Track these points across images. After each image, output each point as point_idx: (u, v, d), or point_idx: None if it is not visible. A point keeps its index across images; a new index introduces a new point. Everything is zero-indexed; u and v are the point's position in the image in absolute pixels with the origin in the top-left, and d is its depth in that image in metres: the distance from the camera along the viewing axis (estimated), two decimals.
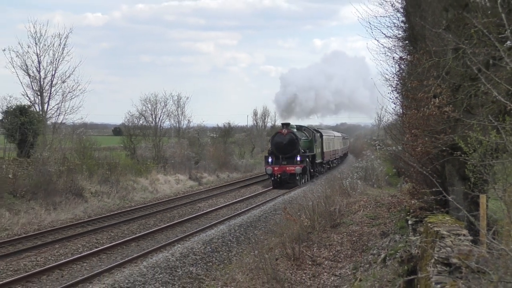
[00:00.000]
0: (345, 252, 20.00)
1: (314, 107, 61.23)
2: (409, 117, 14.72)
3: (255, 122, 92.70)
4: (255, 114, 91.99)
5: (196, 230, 25.50)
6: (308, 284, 17.42)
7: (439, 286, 8.11)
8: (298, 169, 43.95)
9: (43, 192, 30.39)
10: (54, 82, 43.61)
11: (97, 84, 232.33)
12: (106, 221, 28.55)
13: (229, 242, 23.51)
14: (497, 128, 9.37)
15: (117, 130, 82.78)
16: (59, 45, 43.65)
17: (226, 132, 74.40)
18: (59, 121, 44.88)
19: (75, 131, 47.95)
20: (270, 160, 44.77)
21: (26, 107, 38.80)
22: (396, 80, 19.50)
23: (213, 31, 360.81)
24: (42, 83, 43.29)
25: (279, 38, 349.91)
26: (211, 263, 20.65)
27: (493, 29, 9.89)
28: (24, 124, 36.15)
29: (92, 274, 17.88)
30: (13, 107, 37.85)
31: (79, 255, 20.71)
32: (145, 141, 55.49)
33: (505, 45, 10.21)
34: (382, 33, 18.26)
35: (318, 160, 52.39)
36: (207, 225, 26.86)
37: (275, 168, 44.04)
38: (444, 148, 12.78)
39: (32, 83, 43.03)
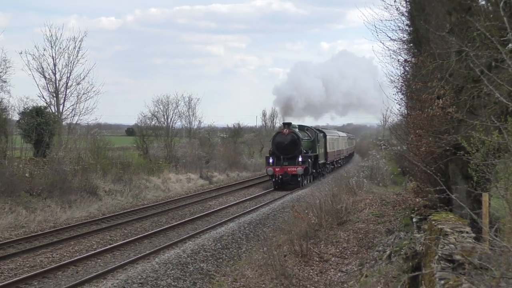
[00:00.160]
0: (352, 249, 20.01)
1: (320, 105, 58.95)
2: (413, 118, 14.72)
3: (264, 122, 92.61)
4: (264, 115, 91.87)
5: (206, 227, 25.50)
6: (316, 280, 17.42)
7: (442, 282, 8.10)
8: (299, 170, 41.81)
9: (59, 191, 30.50)
10: (69, 84, 43.99)
11: (111, 86, 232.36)
12: (120, 218, 28.61)
13: (238, 239, 23.52)
14: (499, 129, 9.37)
15: (130, 131, 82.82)
16: (74, 48, 44.01)
17: (236, 132, 74.41)
18: (74, 122, 45.29)
19: (90, 131, 48.13)
20: (271, 160, 42.79)
21: (42, 108, 38.97)
22: (401, 82, 19.53)
23: (223, 34, 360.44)
24: (57, 85, 43.60)
25: (287, 41, 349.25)
26: (221, 260, 20.66)
27: (495, 32, 9.88)
28: (40, 124, 36.26)
29: (106, 270, 17.91)
30: (30, 108, 38.01)
31: (94, 252, 20.76)
32: (157, 141, 55.59)
33: (507, 48, 10.21)
34: (387, 36, 18.28)
35: (321, 161, 50.07)
36: (217, 222, 26.86)
37: (276, 169, 41.96)
38: (447, 148, 12.78)
39: (48, 85, 43.39)
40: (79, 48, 44.22)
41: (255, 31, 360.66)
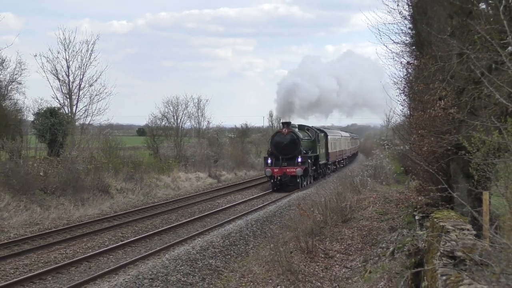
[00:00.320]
0: (356, 246, 20.01)
1: (327, 102, 54.41)
2: (416, 118, 14.72)
3: (270, 123, 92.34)
4: (271, 115, 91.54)
5: (215, 224, 25.52)
6: (321, 275, 17.43)
7: (444, 277, 8.09)
8: (299, 171, 39.36)
9: (72, 189, 30.57)
10: (82, 86, 44.24)
11: (122, 88, 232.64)
12: (131, 216, 28.64)
13: (246, 236, 23.52)
14: (499, 129, 9.36)
15: (141, 131, 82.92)
16: (86, 51, 44.26)
17: (243, 132, 74.37)
18: (87, 122, 45.53)
19: (102, 131, 48.22)
20: (269, 161, 40.15)
21: (56, 109, 39.12)
22: (404, 84, 19.48)
23: (231, 37, 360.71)
24: (70, 86, 43.81)
25: (293, 44, 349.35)
26: (229, 256, 20.67)
27: (496, 36, 9.87)
28: (54, 125, 36.37)
29: (118, 266, 17.96)
30: (44, 109, 38.18)
31: (106, 248, 20.81)
32: (167, 141, 55.60)
33: (506, 51, 10.19)
34: (391, 39, 18.28)
35: (322, 161, 47.45)
36: (226, 220, 26.86)
37: (275, 170, 39.41)
38: (449, 148, 12.78)
39: (62, 87, 43.64)
40: (91, 51, 44.50)
41: (262, 34, 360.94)
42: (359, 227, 21.81)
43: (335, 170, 54.47)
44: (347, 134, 72.29)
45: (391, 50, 19.04)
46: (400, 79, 19.90)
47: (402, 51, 19.31)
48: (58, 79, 43.63)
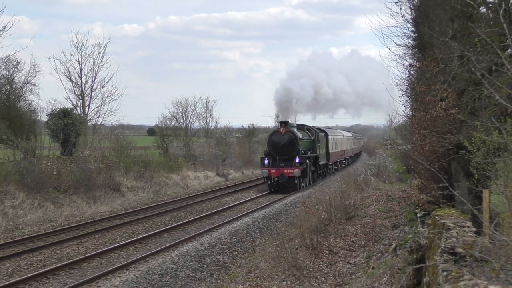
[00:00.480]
0: (359, 242, 19.96)
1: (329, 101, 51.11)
2: (418, 119, 14.72)
3: (277, 123, 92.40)
4: (277, 116, 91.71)
5: (223, 222, 25.52)
6: (325, 271, 17.40)
7: (445, 273, 8.07)
8: (297, 171, 37.04)
9: (84, 187, 30.65)
10: (94, 87, 44.30)
11: (133, 89, 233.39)
12: (141, 213, 28.69)
13: (253, 233, 23.53)
14: (499, 129, 9.34)
15: (151, 131, 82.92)
16: (98, 53, 44.33)
17: (250, 132, 74.27)
18: (99, 123, 45.61)
19: (113, 131, 48.27)
20: (266, 161, 37.67)
21: (69, 110, 39.25)
22: (406, 85, 19.48)
23: (238, 40, 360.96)
24: (83, 88, 43.91)
25: (299, 46, 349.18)
26: (236, 252, 20.69)
27: (496, 38, 9.86)
28: (67, 125, 36.45)
29: (129, 261, 17.99)
30: (57, 110, 38.32)
31: (117, 244, 20.85)
32: (177, 140, 55.63)
33: (506, 53, 10.18)
34: (393, 41, 18.34)
35: (323, 162, 45.09)
36: (233, 217, 26.86)
37: (272, 171, 37.11)
38: (450, 147, 12.77)
39: (74, 88, 43.71)
40: (103, 53, 44.55)
41: (269, 37, 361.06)
42: (362, 224, 21.76)
43: (336, 170, 52.79)
44: (349, 134, 71.13)
45: (394, 53, 19.10)
46: (403, 81, 19.92)
47: (405, 53, 19.33)
48: (71, 80, 43.74)
